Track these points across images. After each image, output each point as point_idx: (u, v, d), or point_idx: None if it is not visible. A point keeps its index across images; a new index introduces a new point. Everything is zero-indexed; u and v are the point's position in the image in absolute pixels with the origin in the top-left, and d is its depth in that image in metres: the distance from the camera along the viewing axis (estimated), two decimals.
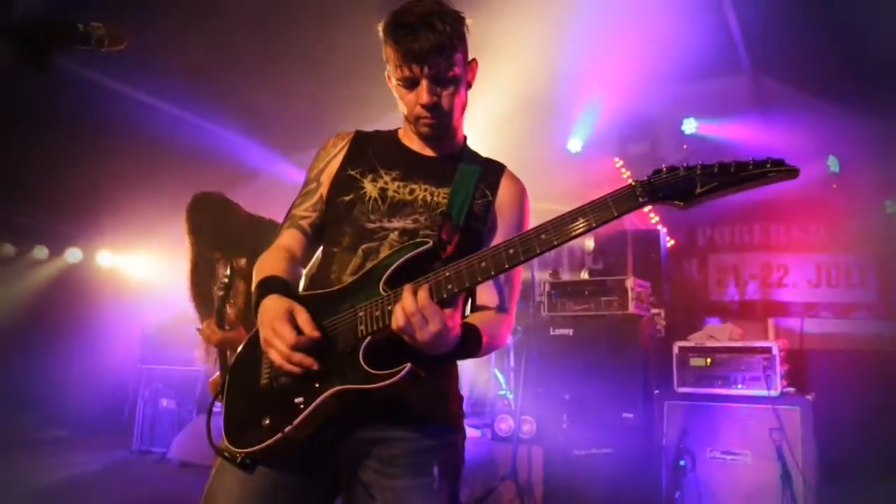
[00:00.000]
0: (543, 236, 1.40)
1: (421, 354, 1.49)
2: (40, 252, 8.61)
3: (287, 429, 1.50)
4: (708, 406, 4.41)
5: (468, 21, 1.71)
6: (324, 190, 1.81)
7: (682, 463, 4.26)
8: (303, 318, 1.52)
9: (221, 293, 2.89)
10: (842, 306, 6.38)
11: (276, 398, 1.57)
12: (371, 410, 1.59)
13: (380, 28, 1.68)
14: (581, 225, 1.39)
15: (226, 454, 1.57)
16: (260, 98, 5.81)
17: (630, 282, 4.82)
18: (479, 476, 4.84)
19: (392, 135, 1.88)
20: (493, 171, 1.84)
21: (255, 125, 6.34)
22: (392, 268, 1.56)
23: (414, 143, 1.83)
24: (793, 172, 1.24)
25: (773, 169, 1.23)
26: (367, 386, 1.47)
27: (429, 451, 1.65)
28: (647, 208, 5.93)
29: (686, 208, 1.33)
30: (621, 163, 7.19)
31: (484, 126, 5.46)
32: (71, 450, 7.24)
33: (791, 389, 4.35)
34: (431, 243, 1.59)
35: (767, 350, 4.33)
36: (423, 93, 1.66)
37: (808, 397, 4.19)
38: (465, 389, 6.24)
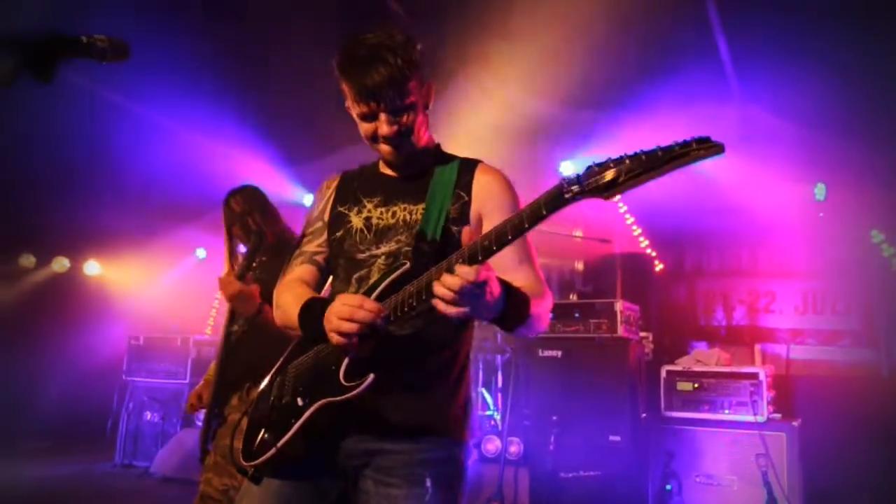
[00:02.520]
0: (486, 243, 1.38)
1: (391, 364, 1.61)
2: (27, 260, 8.55)
3: (279, 443, 1.63)
4: (694, 430, 4.44)
5: (419, 46, 1.75)
6: (326, 226, 1.91)
7: (668, 487, 4.28)
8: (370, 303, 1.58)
9: (251, 249, 3.04)
10: (827, 333, 6.43)
11: (277, 416, 1.71)
12: (364, 422, 1.68)
13: (334, 63, 1.73)
14: (516, 227, 1.37)
15: (240, 468, 1.73)
16: (254, 111, 5.83)
17: (619, 305, 4.85)
18: (466, 497, 4.82)
19: (374, 166, 1.95)
20: (467, 170, 1.84)
21: (249, 137, 6.35)
22: (377, 291, 1.62)
23: (392, 168, 1.89)
24: (717, 148, 1.20)
25: (699, 147, 1.20)
26: (339, 398, 1.57)
27: (422, 464, 1.68)
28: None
29: (608, 198, 1.30)
30: None
31: (476, 148, 5.51)
32: (52, 462, 7.15)
33: (777, 415, 4.39)
34: (409, 265, 1.62)
35: (754, 376, 4.37)
36: (382, 125, 1.72)
37: (795, 423, 4.22)
38: None
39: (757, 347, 6.57)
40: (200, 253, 9.02)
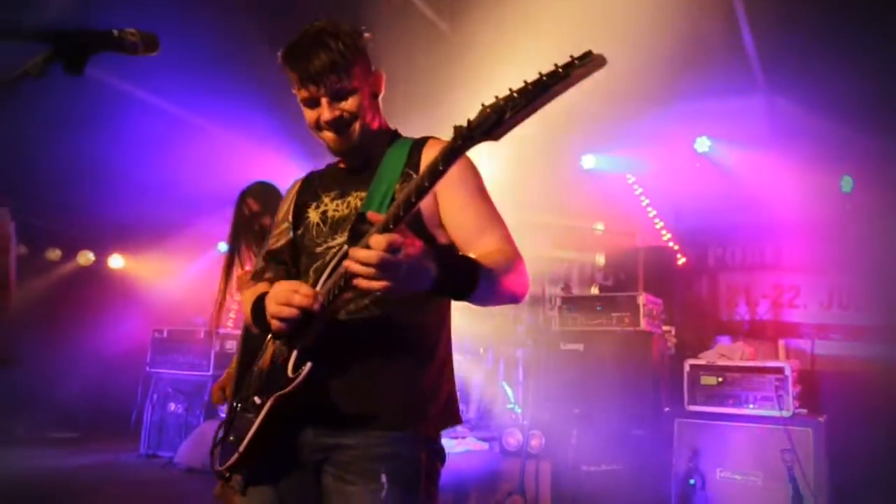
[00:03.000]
0: (395, 211, 1.33)
1: (342, 353, 1.60)
2: (53, 254, 8.67)
3: (242, 445, 1.62)
4: (718, 425, 4.40)
5: (367, 35, 1.75)
6: (291, 226, 1.90)
7: (691, 482, 4.24)
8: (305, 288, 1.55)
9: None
10: (853, 329, 6.34)
11: (240, 417, 1.70)
12: (318, 415, 1.63)
13: (279, 54, 1.72)
14: (419, 187, 1.31)
15: (216, 472, 1.72)
16: (281, 104, 5.85)
17: (642, 298, 4.82)
18: (486, 490, 4.82)
19: (337, 163, 1.92)
20: (416, 148, 1.79)
21: (274, 132, 6.37)
22: (322, 278, 1.59)
23: (348, 161, 1.86)
24: (597, 60, 1.14)
25: (581, 63, 1.14)
26: (284, 390, 1.54)
27: (377, 459, 1.61)
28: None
29: (498, 139, 1.23)
30: (633, 179, 7.20)
31: (499, 142, 5.48)
32: (79, 452, 7.26)
33: (803, 411, 4.34)
34: (346, 247, 1.56)
35: (780, 370, 4.32)
36: (324, 111, 1.70)
37: (821, 419, 4.17)
38: (473, 402, 6.28)
39: (781, 343, 6.49)
40: (222, 246, 9.09)
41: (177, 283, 8.81)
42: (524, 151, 5.77)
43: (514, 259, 1.65)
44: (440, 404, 1.74)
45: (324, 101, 1.69)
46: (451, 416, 1.79)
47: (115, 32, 1.45)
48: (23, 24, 1.33)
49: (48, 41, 1.37)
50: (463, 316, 6.74)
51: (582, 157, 7.18)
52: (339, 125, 1.71)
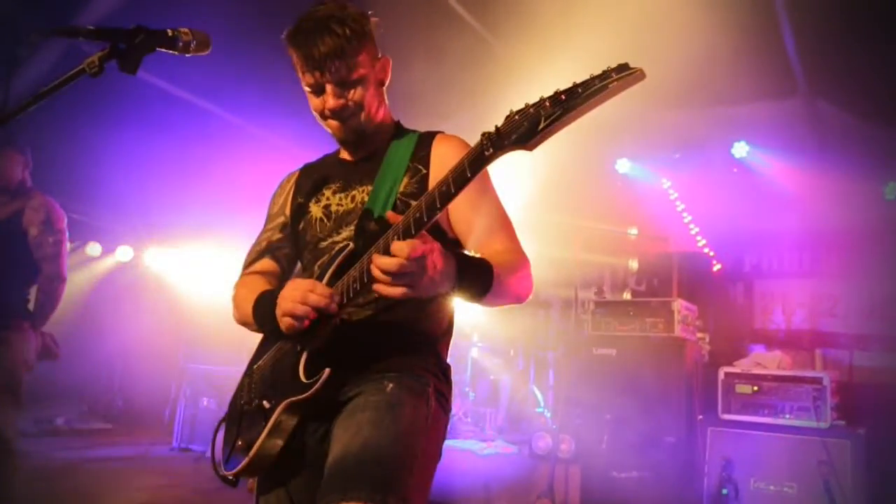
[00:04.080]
0: (417, 215, 1.30)
1: (353, 354, 1.56)
2: (93, 249, 8.86)
3: (253, 450, 1.57)
4: (753, 434, 4.32)
5: (374, 20, 1.69)
6: (288, 221, 1.87)
7: (724, 492, 4.18)
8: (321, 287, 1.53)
9: None
10: (894, 340, 6.19)
11: (248, 421, 1.65)
12: (331, 416, 1.59)
13: (283, 35, 1.68)
14: (444, 193, 1.28)
15: (221, 476, 1.68)
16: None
17: (677, 304, 4.76)
18: (515, 493, 4.81)
19: (335, 154, 1.89)
20: (425, 143, 1.75)
21: (310, 131, 6.44)
22: (326, 276, 1.56)
23: (350, 153, 1.83)
24: (636, 74, 1.09)
25: (619, 76, 1.09)
26: (301, 396, 1.51)
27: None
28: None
29: (532, 149, 1.18)
30: (669, 184, 7.12)
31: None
32: (114, 444, 7.41)
33: (841, 422, 4.24)
34: (351, 245, 1.57)
35: (818, 380, 4.23)
36: (329, 98, 1.65)
37: (860, 431, 4.08)
38: (502, 404, 6.27)
39: (818, 352, 6.36)
40: None
41: (212, 279, 8.95)
42: (559, 155, 5.74)
43: (520, 260, 1.63)
44: (446, 398, 1.71)
45: (329, 88, 1.65)
46: (446, 403, 1.72)
47: (169, 32, 1.49)
48: (81, 24, 1.37)
49: (105, 40, 1.41)
50: (493, 318, 6.74)
51: (617, 161, 7.13)
52: (344, 114, 1.68)
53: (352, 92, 1.66)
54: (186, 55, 1.52)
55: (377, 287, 1.32)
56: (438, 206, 1.28)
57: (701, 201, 7.01)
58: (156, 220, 8.64)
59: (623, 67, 1.11)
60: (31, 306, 3.37)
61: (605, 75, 1.11)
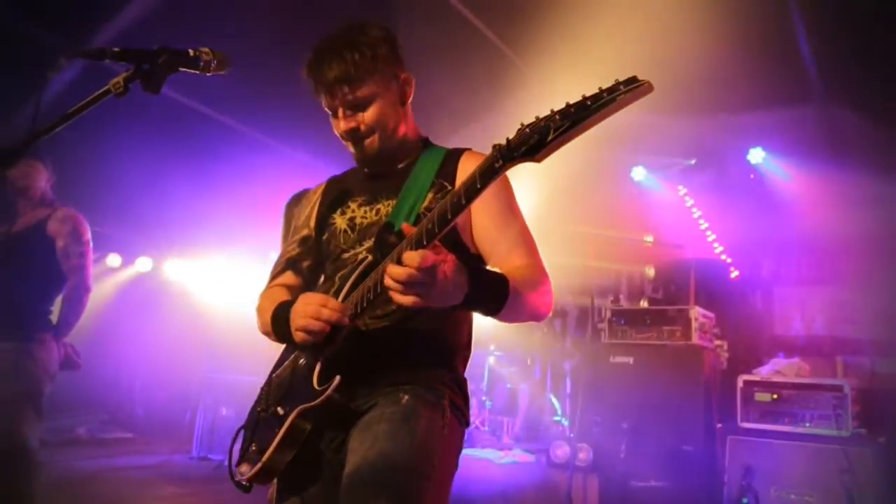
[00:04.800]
0: (429, 226, 1.32)
1: (369, 362, 1.58)
2: (114, 260, 8.97)
3: (265, 456, 1.60)
4: (773, 443, 4.29)
5: (390, 36, 1.73)
6: (313, 233, 1.89)
7: (744, 501, 4.15)
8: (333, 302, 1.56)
9: None
10: None
11: (263, 428, 1.68)
12: (345, 424, 1.62)
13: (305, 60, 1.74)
14: (455, 205, 1.30)
15: (236, 481, 1.70)
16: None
17: (694, 312, 4.75)
18: (534, 502, 4.81)
19: (361, 168, 1.90)
20: (452, 159, 1.76)
21: (328, 145, 6.49)
22: (345, 288, 1.59)
23: (377, 168, 1.84)
24: (644, 87, 1.11)
25: (627, 89, 1.11)
26: (312, 403, 1.54)
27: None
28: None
29: (541, 161, 1.20)
30: (685, 191, 7.10)
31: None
32: (135, 452, 7.49)
33: (862, 430, 4.20)
34: (370, 258, 1.59)
35: (838, 388, 4.20)
36: (340, 122, 1.71)
37: (881, 439, 4.04)
38: (520, 413, 6.26)
39: (838, 359, 6.30)
40: (274, 255, 9.27)
41: (232, 289, 9.04)
42: (574, 163, 5.75)
43: (541, 277, 1.63)
44: (464, 408, 1.72)
45: (340, 111, 1.70)
46: (464, 413, 1.73)
47: (191, 52, 1.54)
48: (105, 47, 1.42)
49: (129, 61, 1.46)
50: (510, 327, 6.74)
51: (632, 170, 7.12)
52: (356, 136, 1.72)
53: (362, 115, 1.70)
54: (207, 74, 1.57)
55: (392, 295, 1.34)
56: (450, 216, 1.30)
57: (717, 208, 6.98)
58: (176, 233, 8.74)
59: (631, 80, 1.13)
60: (52, 317, 3.41)
61: (613, 88, 1.13)
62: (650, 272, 6.64)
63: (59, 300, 3.45)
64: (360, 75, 1.65)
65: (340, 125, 1.71)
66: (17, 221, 3.47)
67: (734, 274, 6.77)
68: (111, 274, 9.11)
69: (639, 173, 7.10)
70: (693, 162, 6.93)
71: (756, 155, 6.48)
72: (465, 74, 5.12)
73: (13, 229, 3.44)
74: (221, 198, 7.34)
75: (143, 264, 9.24)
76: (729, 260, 6.77)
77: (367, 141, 1.73)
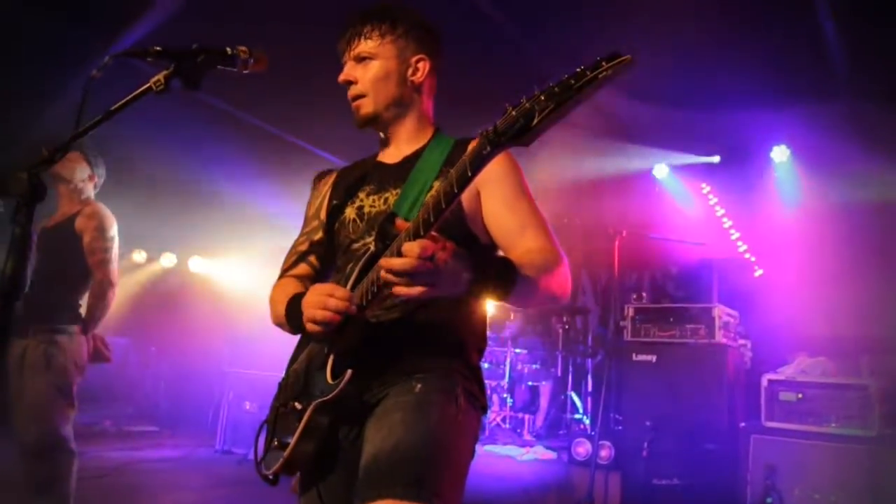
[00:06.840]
0: (425, 216, 1.31)
1: (381, 355, 1.59)
2: (139, 255, 9.10)
3: (287, 451, 1.63)
4: (797, 442, 4.26)
5: (420, 22, 1.80)
6: (324, 224, 1.90)
7: (768, 501, 4.13)
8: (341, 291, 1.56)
9: None
10: None
11: (283, 422, 1.71)
12: (361, 417, 1.62)
13: None
14: (448, 193, 1.29)
15: (262, 476, 1.74)
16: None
17: (718, 310, 4.72)
18: (554, 500, 4.81)
19: (372, 158, 1.93)
20: (460, 148, 1.74)
21: (352, 143, 6.53)
22: (351, 279, 1.59)
23: (386, 156, 1.86)
24: (626, 61, 1.09)
25: (609, 65, 1.09)
26: (326, 398, 1.55)
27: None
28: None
29: (528, 144, 1.18)
30: (708, 189, 7.05)
31: (571, 151, 5.48)
32: (159, 445, 7.59)
33: (889, 430, 4.15)
34: (372, 248, 1.58)
35: (864, 388, 4.16)
36: (343, 73, 1.79)
37: None
38: (541, 410, 6.26)
39: (864, 359, 6.22)
40: None
41: (254, 285, 9.14)
42: (596, 161, 5.74)
43: (555, 259, 1.60)
44: (478, 402, 1.71)
45: (346, 65, 1.80)
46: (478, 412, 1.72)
47: (228, 50, 1.57)
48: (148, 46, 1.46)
49: (170, 59, 1.49)
50: (531, 324, 6.74)
51: (655, 167, 7.09)
52: (353, 96, 1.79)
53: (362, 69, 1.77)
54: (244, 72, 1.60)
55: (395, 288, 1.33)
56: (443, 205, 1.29)
57: (741, 206, 6.92)
58: (200, 228, 8.84)
59: (613, 56, 1.11)
60: (81, 311, 3.47)
61: (595, 65, 1.11)
62: (673, 270, 6.60)
63: (87, 295, 3.50)
64: (370, 34, 1.75)
65: (341, 75, 1.79)
66: (55, 216, 3.55)
67: (758, 272, 6.71)
68: (137, 269, 9.23)
69: (661, 171, 7.07)
70: (717, 159, 6.88)
71: (780, 153, 6.42)
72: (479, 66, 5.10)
73: (48, 224, 3.52)
74: (245, 194, 7.40)
75: (167, 259, 9.36)
76: (753, 258, 6.71)
77: (359, 102, 1.79)
